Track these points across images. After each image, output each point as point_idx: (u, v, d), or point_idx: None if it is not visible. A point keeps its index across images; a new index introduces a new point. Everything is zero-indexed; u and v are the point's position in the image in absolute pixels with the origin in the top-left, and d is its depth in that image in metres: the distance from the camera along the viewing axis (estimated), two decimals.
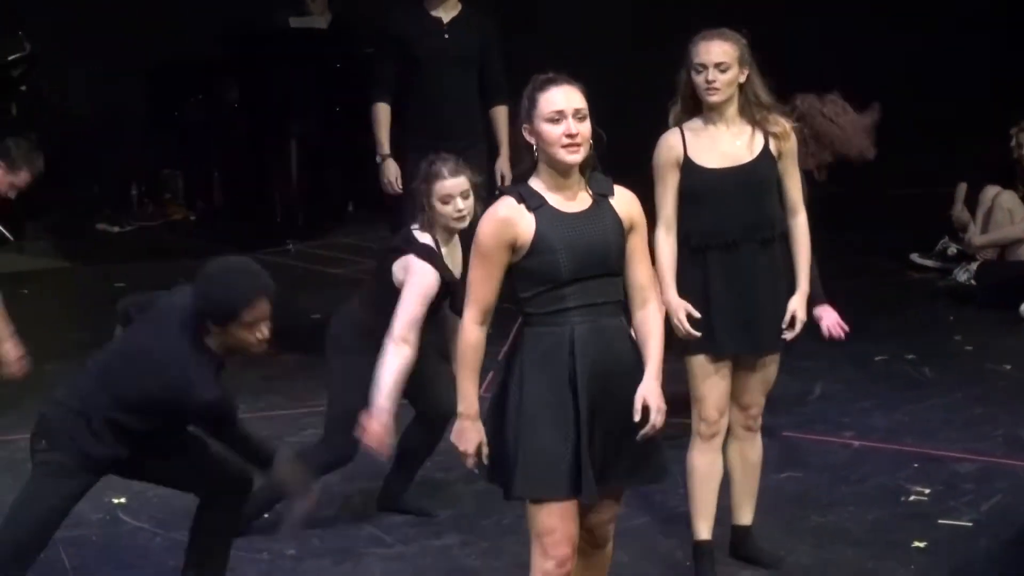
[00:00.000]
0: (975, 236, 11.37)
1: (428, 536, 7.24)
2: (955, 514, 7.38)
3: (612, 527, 5.52)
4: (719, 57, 6.17)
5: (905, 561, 6.83)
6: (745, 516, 6.65)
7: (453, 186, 6.88)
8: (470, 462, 5.23)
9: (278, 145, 13.09)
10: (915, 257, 11.90)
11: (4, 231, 12.41)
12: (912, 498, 7.47)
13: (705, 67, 6.16)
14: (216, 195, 14.10)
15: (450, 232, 6.96)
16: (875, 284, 11.36)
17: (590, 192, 5.19)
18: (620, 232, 5.18)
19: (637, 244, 5.25)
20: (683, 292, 6.20)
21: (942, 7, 13.66)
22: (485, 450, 5.20)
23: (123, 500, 7.38)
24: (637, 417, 5.15)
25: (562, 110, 5.05)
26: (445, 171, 6.90)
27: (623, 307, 5.26)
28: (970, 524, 7.28)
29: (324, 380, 7.25)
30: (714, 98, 6.17)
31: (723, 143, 6.29)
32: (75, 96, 13.56)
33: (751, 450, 6.59)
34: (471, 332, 5.15)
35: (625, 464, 5.25)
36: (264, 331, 5.78)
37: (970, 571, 6.77)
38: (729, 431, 6.53)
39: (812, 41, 13.76)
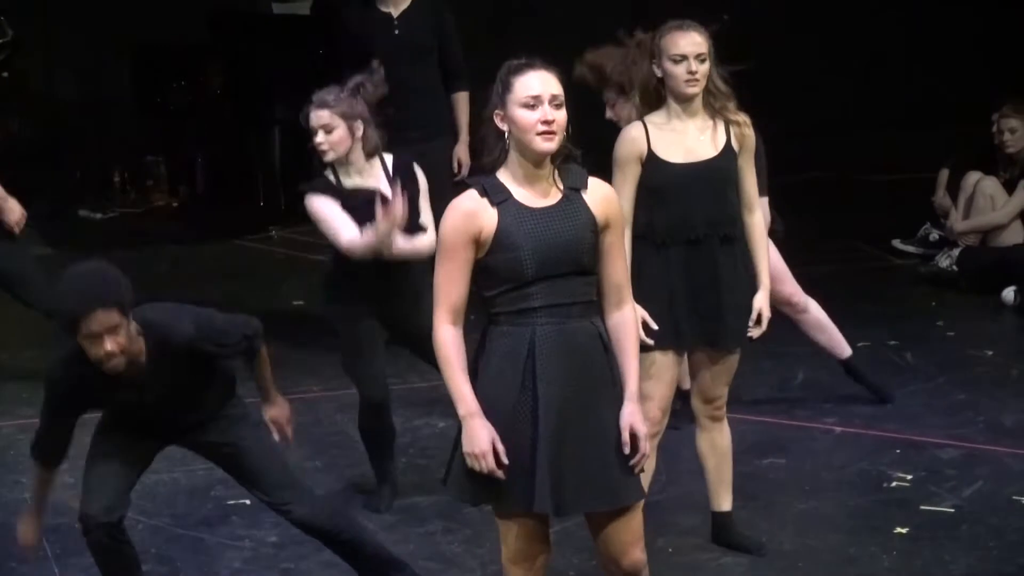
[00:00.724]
0: (957, 222, 11.38)
1: (411, 523, 7.24)
2: (937, 500, 7.38)
3: (638, 552, 5.24)
4: (700, 48, 6.15)
5: (887, 547, 6.83)
6: (724, 502, 6.66)
7: (315, 120, 7.02)
8: (488, 462, 4.92)
9: (261, 131, 13.08)
10: (897, 243, 11.91)
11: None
12: (894, 484, 7.48)
13: (685, 57, 6.11)
14: (199, 181, 14.08)
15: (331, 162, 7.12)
16: (857, 270, 11.37)
17: (560, 186, 5.02)
18: (592, 228, 5.00)
19: (612, 240, 5.07)
20: (646, 288, 6.10)
21: None
22: (500, 447, 4.92)
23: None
24: (627, 449, 5.02)
25: (538, 95, 4.89)
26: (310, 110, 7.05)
27: (596, 307, 5.09)
28: (952, 510, 7.29)
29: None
30: (694, 89, 6.14)
31: (688, 138, 6.26)
32: (58, 82, 13.55)
33: (720, 438, 6.60)
34: (444, 333, 4.95)
35: (594, 483, 5.05)
36: (108, 346, 5.41)
37: (952, 557, 6.77)
38: (697, 423, 6.60)
39: (799, 28, 13.75)
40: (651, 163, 6.22)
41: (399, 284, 7.20)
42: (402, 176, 7.12)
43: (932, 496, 7.42)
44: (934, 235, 11.71)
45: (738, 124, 6.29)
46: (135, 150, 14.00)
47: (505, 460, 4.93)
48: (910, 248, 11.84)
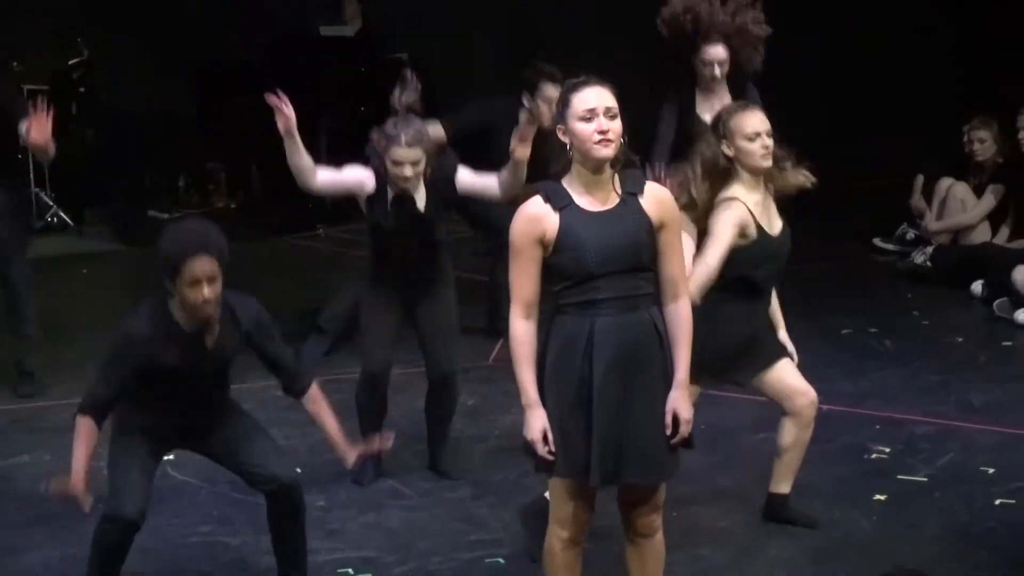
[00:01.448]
0: (931, 223, 11.40)
1: (443, 490, 7.26)
2: (912, 470, 7.39)
3: (656, 522, 5.29)
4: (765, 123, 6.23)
5: (867, 512, 6.84)
6: None
7: (405, 155, 6.86)
8: (539, 447, 4.99)
9: (310, 140, 13.02)
10: (877, 241, 11.91)
11: (66, 218, 12.45)
12: (874, 456, 7.48)
13: (759, 134, 6.16)
14: (255, 185, 14.10)
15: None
16: (841, 266, 11.36)
17: (619, 191, 5.02)
18: (647, 229, 4.98)
19: (668, 239, 5.05)
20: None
21: (908, 9, 13.66)
22: (550, 435, 4.98)
23: (171, 458, 7.39)
24: (668, 431, 5.05)
25: (594, 108, 4.90)
26: (403, 138, 6.86)
27: (653, 299, 5.08)
28: (925, 479, 7.30)
29: None
30: (768, 162, 6.18)
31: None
32: (129, 96, 13.55)
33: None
34: (517, 327, 5.00)
35: (637, 457, 5.05)
36: (206, 292, 5.39)
37: (925, 521, 6.77)
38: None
39: (793, 48, 13.71)
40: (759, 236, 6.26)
41: (426, 273, 7.23)
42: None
43: (908, 467, 7.43)
44: (911, 234, 11.71)
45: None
46: (198, 158, 14.01)
47: (552, 447, 4.99)
48: (889, 246, 11.84)
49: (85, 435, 5.63)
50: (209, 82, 13.94)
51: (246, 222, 13.32)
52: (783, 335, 6.41)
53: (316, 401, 5.89)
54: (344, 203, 13.35)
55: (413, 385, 8.10)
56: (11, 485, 7.11)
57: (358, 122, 12.38)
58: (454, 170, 7.10)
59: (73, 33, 13.10)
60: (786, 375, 6.43)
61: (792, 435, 6.46)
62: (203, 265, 5.40)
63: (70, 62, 13.21)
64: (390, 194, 7.02)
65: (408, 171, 6.86)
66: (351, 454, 5.94)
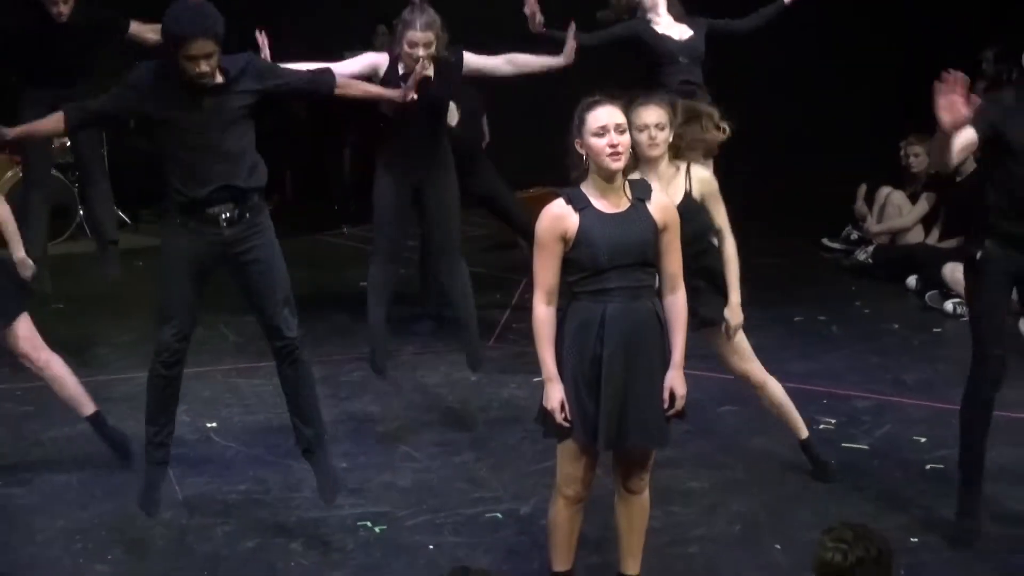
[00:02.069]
0: (872, 225, 11.40)
1: (449, 454, 7.25)
2: (855, 440, 7.41)
3: (644, 480, 5.33)
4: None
5: (816, 475, 6.85)
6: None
7: (419, 37, 6.95)
8: (556, 416, 5.02)
9: (335, 151, 13.06)
10: (826, 241, 11.90)
11: (124, 216, 12.44)
12: (822, 427, 7.47)
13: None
14: (288, 189, 14.06)
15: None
16: (795, 262, 11.35)
17: (630, 196, 5.05)
18: (654, 230, 5.02)
19: (669, 240, 5.08)
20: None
21: (856, 41, 13.65)
22: (566, 406, 5.01)
23: (215, 424, 7.40)
24: (666, 405, 5.10)
25: (605, 124, 4.92)
26: (418, 23, 6.95)
27: (654, 291, 5.14)
28: (866, 447, 7.31)
29: None
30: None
31: None
32: None
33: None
34: (539, 310, 5.04)
35: (636, 424, 5.09)
36: (203, 67, 5.42)
37: (866, 483, 6.77)
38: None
39: (759, 71, 13.68)
40: None
41: (432, 157, 7.35)
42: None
43: (851, 436, 7.44)
44: (854, 235, 11.71)
45: None
46: None
47: (569, 416, 5.02)
48: (836, 245, 11.83)
49: (50, 121, 5.97)
50: None
51: (279, 221, 13.18)
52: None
53: (346, 84, 6.01)
54: (365, 206, 13.50)
55: (423, 365, 8.14)
56: (76, 448, 7.11)
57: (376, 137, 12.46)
58: (460, 55, 7.20)
59: (134, 56, 13.05)
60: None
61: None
62: (201, 46, 5.45)
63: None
64: (402, 71, 7.04)
65: (421, 51, 6.95)
66: (396, 95, 6.12)
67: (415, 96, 6.30)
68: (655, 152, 6.01)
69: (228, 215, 5.77)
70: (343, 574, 5.93)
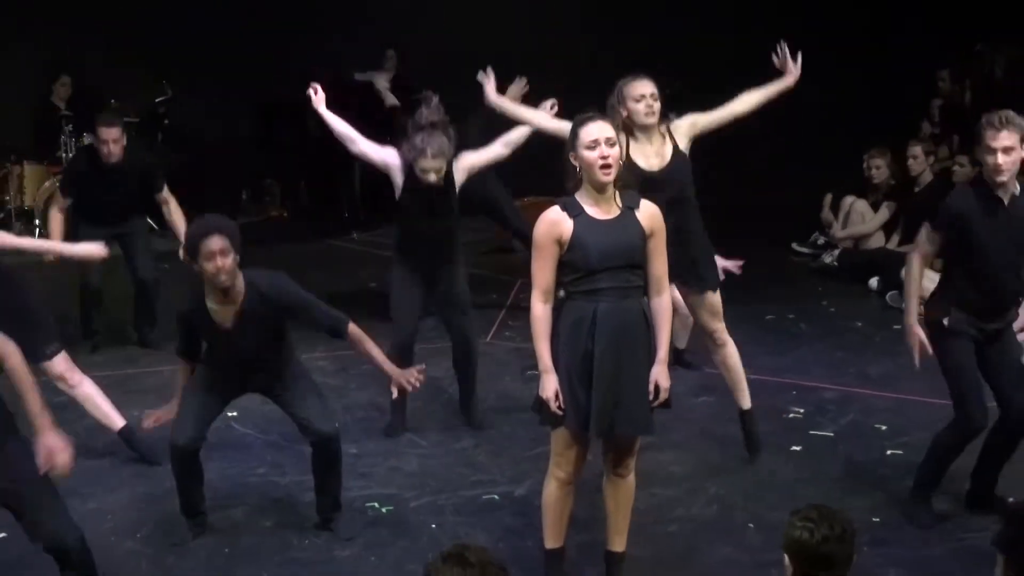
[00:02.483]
0: (837, 231, 11.41)
1: (450, 441, 7.26)
2: (821, 427, 7.40)
3: (631, 465, 5.32)
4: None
5: (786, 459, 6.87)
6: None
7: (430, 165, 6.87)
8: (551, 405, 5.01)
9: (346, 164, 13.02)
10: (795, 245, 11.90)
11: (152, 223, 12.41)
12: (791, 415, 7.48)
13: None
14: (302, 198, 14.09)
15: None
16: (766, 265, 11.26)
17: (620, 204, 5.04)
18: (642, 236, 5.02)
19: (656, 245, 5.07)
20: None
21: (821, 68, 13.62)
22: (560, 396, 5.00)
23: (235, 414, 7.38)
24: (651, 397, 5.09)
25: (596, 139, 4.92)
26: (429, 152, 6.85)
27: (642, 291, 5.10)
28: (832, 434, 7.30)
29: None
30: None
31: None
32: (202, 126, 13.51)
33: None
34: (537, 308, 5.03)
35: (625, 413, 5.08)
36: (218, 262, 5.46)
37: (831, 468, 6.78)
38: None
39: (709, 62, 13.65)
40: None
41: (442, 253, 7.20)
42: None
43: (818, 424, 7.44)
44: (821, 240, 11.72)
45: None
46: (257, 175, 13.98)
47: (563, 405, 5.01)
48: (804, 249, 11.83)
49: (181, 371, 6.00)
50: (266, 115, 13.93)
51: (295, 227, 13.33)
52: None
53: (358, 339, 5.80)
54: (373, 214, 13.50)
55: (432, 357, 8.09)
56: (108, 436, 7.08)
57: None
58: (453, 168, 7.08)
59: (159, 77, 13.08)
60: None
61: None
62: (215, 242, 5.48)
63: (157, 100, 13.19)
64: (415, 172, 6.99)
65: (432, 177, 6.92)
66: (396, 375, 5.85)
67: (414, 377, 5.92)
68: (652, 119, 6.19)
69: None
70: (353, 551, 5.91)
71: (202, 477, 6.06)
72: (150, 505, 6.27)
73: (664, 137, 6.35)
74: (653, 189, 5.72)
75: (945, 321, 5.80)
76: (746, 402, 6.75)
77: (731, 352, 6.68)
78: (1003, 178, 5.60)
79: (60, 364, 6.63)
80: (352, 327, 5.81)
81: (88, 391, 6.78)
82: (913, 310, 5.87)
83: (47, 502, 5.00)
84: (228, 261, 5.51)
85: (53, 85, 12.35)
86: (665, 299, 5.15)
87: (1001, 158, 5.55)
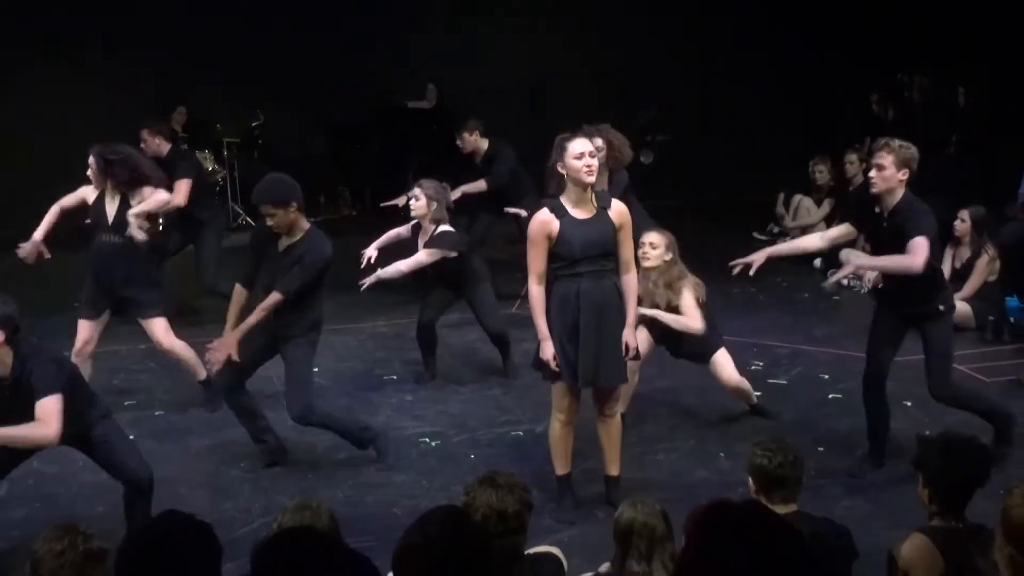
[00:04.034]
0: (788, 223, 11.32)
1: (484, 389, 7.27)
2: (776, 377, 7.38)
3: (615, 407, 5.36)
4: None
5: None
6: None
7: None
8: (550, 365, 5.06)
9: (401, 173, 13.03)
10: (755, 234, 11.75)
11: (250, 220, 12.42)
12: (752, 368, 7.44)
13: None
14: (367, 200, 14.04)
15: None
16: (732, 249, 11.03)
17: (596, 205, 5.07)
18: (613, 230, 5.06)
19: (624, 237, 5.11)
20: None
21: (773, 85, 13.56)
22: (556, 358, 5.04)
23: (316, 369, 7.36)
24: (623, 354, 5.14)
25: (582, 152, 4.96)
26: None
27: (615, 272, 5.13)
28: (785, 383, 7.29)
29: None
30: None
31: None
32: (288, 144, 13.49)
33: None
34: (533, 289, 5.06)
35: (605, 368, 5.13)
36: (269, 222, 5.53)
37: (785, 409, 6.75)
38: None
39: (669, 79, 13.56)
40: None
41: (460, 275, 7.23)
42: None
43: (773, 374, 7.42)
44: (775, 230, 11.59)
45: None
46: (331, 182, 13.95)
47: (557, 367, 5.07)
48: (762, 237, 11.66)
49: (234, 298, 5.92)
50: (339, 135, 13.90)
51: (361, 224, 13.31)
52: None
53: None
54: None
55: (465, 326, 8.11)
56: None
57: (432, 163, 12.44)
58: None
59: (254, 106, 13.08)
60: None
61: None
62: (267, 209, 5.59)
63: (252, 123, 13.18)
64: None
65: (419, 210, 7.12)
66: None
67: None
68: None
69: None
70: (408, 476, 5.93)
71: (254, 414, 5.97)
72: (249, 442, 6.23)
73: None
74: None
75: (942, 307, 5.56)
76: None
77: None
78: (874, 190, 5.45)
79: (160, 326, 6.64)
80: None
81: (180, 351, 6.82)
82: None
83: (126, 449, 4.97)
84: (277, 220, 5.61)
85: (172, 114, 12.35)
86: (632, 277, 5.19)
87: (874, 172, 5.45)
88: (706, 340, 6.33)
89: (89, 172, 6.55)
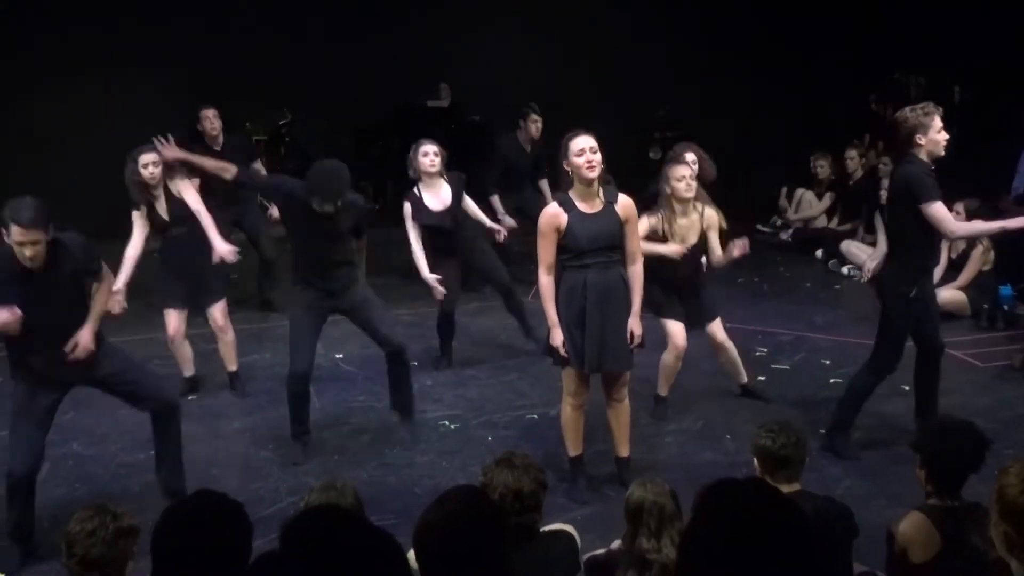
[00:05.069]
0: (791, 215, 11.31)
1: (501, 374, 7.25)
2: (779, 362, 7.36)
3: (623, 391, 5.31)
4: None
5: (754, 387, 6.78)
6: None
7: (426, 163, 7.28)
8: (560, 351, 5.05)
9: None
10: (759, 226, 11.74)
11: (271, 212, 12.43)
12: (757, 353, 7.44)
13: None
14: (389, 193, 14.02)
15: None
16: (736, 239, 11.25)
17: (602, 199, 5.03)
18: (620, 223, 5.02)
19: (630, 229, 5.07)
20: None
21: (774, 84, 13.50)
22: (565, 344, 5.02)
23: (341, 355, 7.41)
24: (628, 341, 5.10)
25: (583, 148, 4.92)
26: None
27: (621, 263, 5.09)
28: (788, 367, 7.26)
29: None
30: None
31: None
32: (314, 142, 13.48)
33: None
34: (542, 279, 5.02)
35: (610, 354, 5.10)
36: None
37: (789, 392, 6.74)
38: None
39: (715, 109, 13.53)
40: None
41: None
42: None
43: (777, 360, 7.40)
44: (779, 222, 11.59)
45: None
46: (355, 176, 13.59)
47: (566, 353, 5.05)
48: (766, 229, 11.69)
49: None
50: (361, 132, 13.90)
51: (384, 216, 13.31)
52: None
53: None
54: None
55: (483, 314, 8.12)
56: (247, 374, 7.13)
57: (451, 157, 12.45)
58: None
59: (281, 105, 13.10)
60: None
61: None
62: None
63: (280, 123, 13.19)
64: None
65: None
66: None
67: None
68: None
69: None
70: (429, 457, 5.94)
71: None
72: (276, 425, 6.29)
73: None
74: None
75: (912, 292, 5.45)
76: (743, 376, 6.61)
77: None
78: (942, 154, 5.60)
79: (220, 315, 6.68)
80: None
81: (231, 338, 6.84)
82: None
83: (150, 380, 5.06)
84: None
85: (203, 111, 12.38)
86: (638, 267, 5.13)
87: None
88: (714, 299, 6.44)
89: (147, 172, 6.31)
